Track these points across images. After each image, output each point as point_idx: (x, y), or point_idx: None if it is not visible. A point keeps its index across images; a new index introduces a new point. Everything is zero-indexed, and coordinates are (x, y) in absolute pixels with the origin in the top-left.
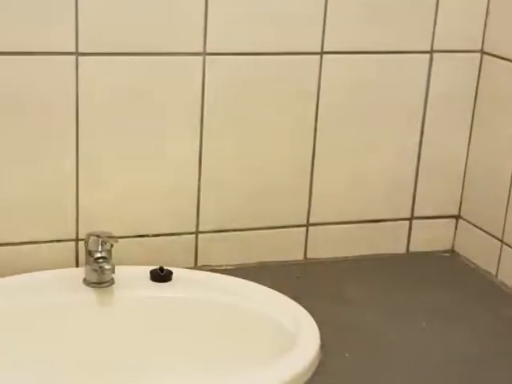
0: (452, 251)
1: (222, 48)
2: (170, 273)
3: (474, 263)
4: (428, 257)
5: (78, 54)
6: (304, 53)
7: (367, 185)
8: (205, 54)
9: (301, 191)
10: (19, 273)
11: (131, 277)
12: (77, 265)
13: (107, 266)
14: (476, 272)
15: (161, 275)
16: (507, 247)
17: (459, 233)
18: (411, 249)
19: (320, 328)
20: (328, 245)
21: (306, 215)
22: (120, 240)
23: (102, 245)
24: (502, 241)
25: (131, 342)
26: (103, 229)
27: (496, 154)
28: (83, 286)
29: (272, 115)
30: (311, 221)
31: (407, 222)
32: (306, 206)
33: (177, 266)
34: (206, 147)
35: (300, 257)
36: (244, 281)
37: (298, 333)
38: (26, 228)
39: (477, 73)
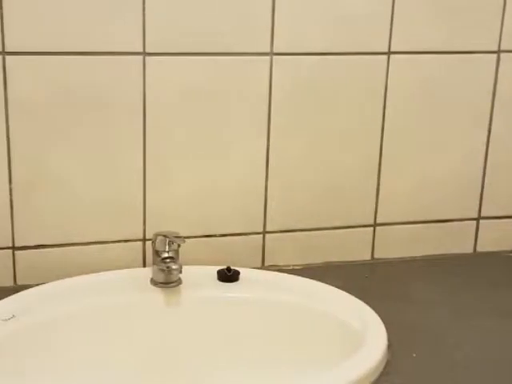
0: None
1: (289, 48)
2: (237, 273)
3: None
4: (495, 257)
5: (145, 54)
6: (371, 53)
7: (434, 185)
8: (272, 53)
9: (368, 191)
10: (86, 273)
11: (198, 277)
12: (144, 265)
13: (174, 266)
14: None
15: (228, 275)
16: None
17: None
18: (478, 249)
19: (387, 328)
20: (395, 245)
21: (373, 215)
22: (187, 240)
23: (169, 245)
24: None
25: (198, 342)
26: (170, 229)
27: None
28: (150, 286)
29: (339, 115)
30: (378, 221)
31: (474, 222)
32: (374, 206)
33: (244, 266)
34: (273, 147)
35: (367, 257)
36: (311, 281)
37: (365, 333)
38: (93, 228)
39: None
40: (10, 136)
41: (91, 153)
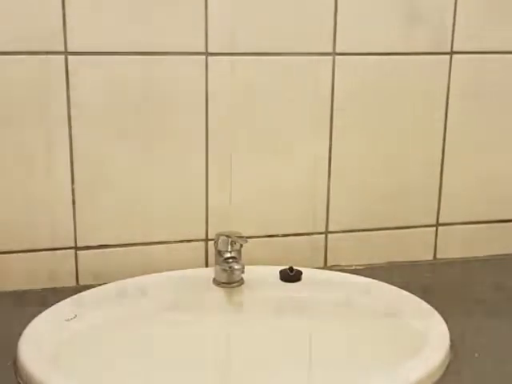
0: None
1: (352, 48)
2: (300, 273)
3: None
4: None
5: (207, 53)
6: (433, 53)
7: (497, 184)
8: (334, 53)
9: (430, 191)
10: (149, 273)
11: (261, 277)
12: (206, 265)
13: (237, 266)
14: None
15: (290, 275)
16: None
17: None
18: None
19: (449, 328)
20: (458, 245)
21: (435, 215)
22: (249, 240)
23: (231, 245)
24: None
25: (260, 342)
26: (233, 229)
27: None
28: (213, 286)
29: (401, 115)
30: (441, 221)
31: None
32: (436, 206)
33: (306, 266)
34: (335, 147)
35: (429, 257)
36: (373, 281)
37: (428, 333)
38: (156, 228)
39: None
40: (73, 135)
41: (153, 153)
